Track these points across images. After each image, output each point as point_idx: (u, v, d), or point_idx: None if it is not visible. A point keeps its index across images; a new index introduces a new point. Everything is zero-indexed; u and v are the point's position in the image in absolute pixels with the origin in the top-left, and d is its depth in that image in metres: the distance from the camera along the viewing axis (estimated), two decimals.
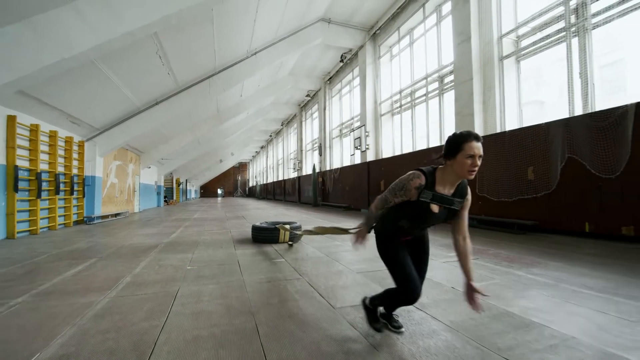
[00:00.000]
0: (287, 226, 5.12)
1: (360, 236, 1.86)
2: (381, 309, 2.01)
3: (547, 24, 6.57)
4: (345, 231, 2.92)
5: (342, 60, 14.42)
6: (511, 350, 1.71)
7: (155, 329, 2.02)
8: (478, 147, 1.51)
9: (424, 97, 10.16)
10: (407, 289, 1.64)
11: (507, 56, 7.25)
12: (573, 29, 6.02)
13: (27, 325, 2.10)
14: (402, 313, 2.19)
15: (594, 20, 5.77)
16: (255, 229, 5.36)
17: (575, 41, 6.00)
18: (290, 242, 5.00)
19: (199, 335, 1.92)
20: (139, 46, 6.73)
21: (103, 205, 10.32)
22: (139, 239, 5.82)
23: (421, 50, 10.43)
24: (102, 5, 4.71)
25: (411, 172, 1.65)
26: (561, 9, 6.26)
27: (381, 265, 2.07)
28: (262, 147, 42.08)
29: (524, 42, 7.14)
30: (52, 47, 4.56)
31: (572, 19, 6.05)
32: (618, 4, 5.38)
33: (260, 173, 44.27)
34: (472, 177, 1.54)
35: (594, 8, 5.78)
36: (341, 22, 12.15)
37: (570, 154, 5.31)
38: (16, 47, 4.35)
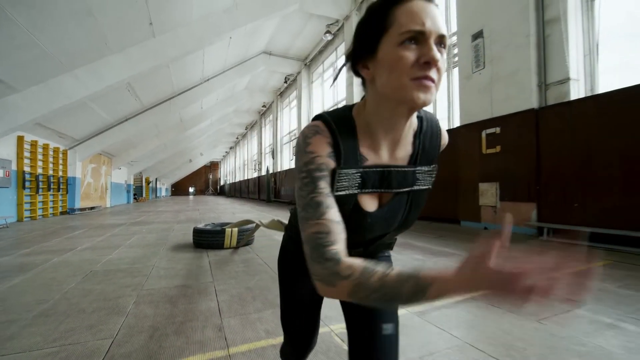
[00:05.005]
0: (235, 229, 4.46)
1: None
2: None
3: None
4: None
5: (286, 82, 17.51)
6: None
7: (125, 242, 5.02)
8: (432, 16, 0.53)
9: None
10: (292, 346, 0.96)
11: None
12: None
13: (79, 241, 5.00)
14: None
15: None
16: (196, 232, 4.68)
17: None
18: (235, 247, 4.45)
19: (141, 243, 4.93)
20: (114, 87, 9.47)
21: (81, 200, 12.82)
22: (113, 221, 8.63)
23: (338, 80, 13.71)
24: (92, 71, 7.49)
25: (302, 135, 0.62)
26: None
27: None
28: (231, 148, 44.35)
29: None
30: (58, 98, 7.28)
31: None
32: None
33: (230, 172, 46.50)
34: (429, 99, 0.53)
35: None
36: (280, 55, 15.23)
37: None
38: (36, 100, 7.06)
